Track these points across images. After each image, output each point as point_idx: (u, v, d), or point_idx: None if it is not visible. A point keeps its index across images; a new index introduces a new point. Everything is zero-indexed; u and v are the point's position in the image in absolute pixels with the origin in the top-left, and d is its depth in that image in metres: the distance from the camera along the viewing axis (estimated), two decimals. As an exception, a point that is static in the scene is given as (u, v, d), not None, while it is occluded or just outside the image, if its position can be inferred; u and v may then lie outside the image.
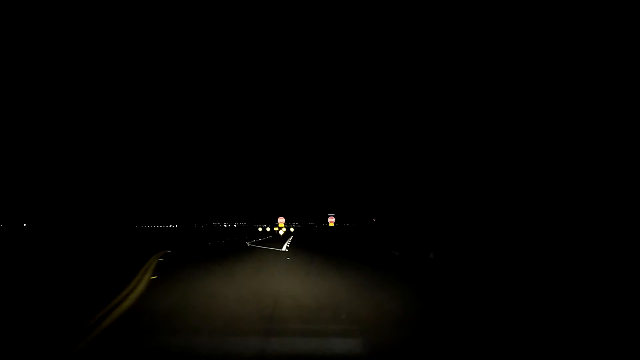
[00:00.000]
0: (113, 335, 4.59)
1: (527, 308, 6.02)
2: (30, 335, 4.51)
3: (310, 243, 27.98)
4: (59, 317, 5.31)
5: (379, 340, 4.37)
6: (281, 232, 60.05)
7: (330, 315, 5.51)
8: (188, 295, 6.91)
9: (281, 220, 65.02)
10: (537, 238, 18.84)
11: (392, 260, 14.37)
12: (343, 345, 4.23)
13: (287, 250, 19.93)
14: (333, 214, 61.04)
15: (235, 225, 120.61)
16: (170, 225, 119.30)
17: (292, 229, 76.57)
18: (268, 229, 77.14)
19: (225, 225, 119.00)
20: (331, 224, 61.48)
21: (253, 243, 27.58)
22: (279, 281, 8.62)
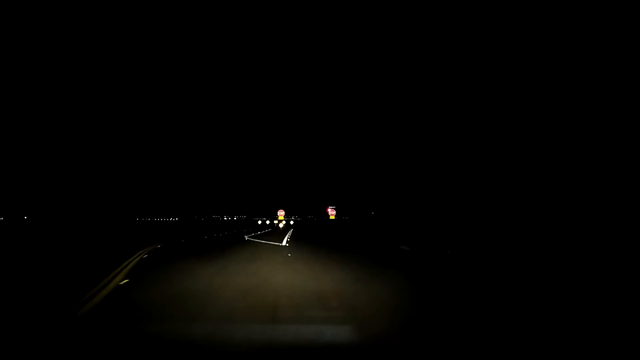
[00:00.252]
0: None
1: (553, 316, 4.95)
2: None
3: (312, 237, 26.27)
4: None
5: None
6: (281, 225, 58.52)
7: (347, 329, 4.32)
8: (153, 317, 5.04)
9: (281, 213, 63.38)
10: (563, 235, 17.22)
11: (403, 256, 12.69)
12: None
13: (287, 244, 18.22)
14: (334, 207, 59.20)
15: (235, 219, 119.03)
16: (172, 219, 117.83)
17: (291, 222, 74.89)
18: (268, 222, 75.55)
19: (225, 219, 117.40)
20: (332, 217, 59.63)
21: (251, 237, 25.88)
22: (279, 285, 6.90)
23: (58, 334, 4.14)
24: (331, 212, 59.54)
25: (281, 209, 63.72)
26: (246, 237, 24.80)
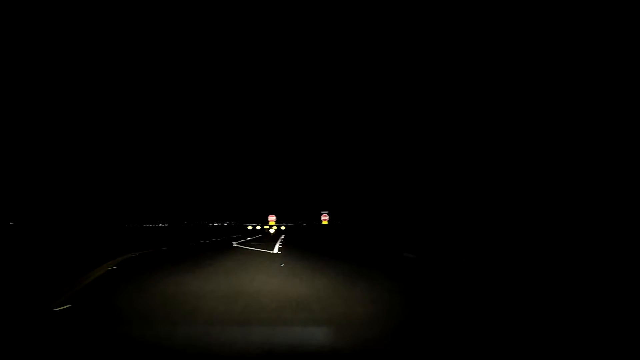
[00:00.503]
0: None
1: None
2: None
3: (305, 243, 24.44)
4: None
5: None
6: (272, 231, 56.49)
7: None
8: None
9: (272, 218, 61.25)
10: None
11: (410, 266, 10.99)
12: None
13: (279, 252, 16.36)
14: (327, 212, 57.27)
15: (225, 224, 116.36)
16: (161, 224, 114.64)
17: (282, 227, 72.68)
18: (258, 228, 73.40)
19: (215, 224, 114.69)
20: (324, 222, 57.64)
21: (241, 243, 23.92)
22: (274, 310, 5.11)
23: None
24: (324, 218, 57.55)
25: (272, 214, 61.61)
26: (234, 244, 22.83)
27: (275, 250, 17.55)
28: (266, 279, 8.39)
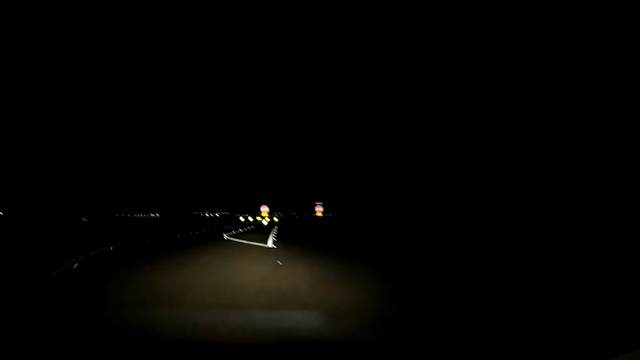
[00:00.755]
0: None
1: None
2: None
3: (302, 236, 22.79)
4: None
5: None
6: (265, 222, 54.73)
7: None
8: None
9: (265, 210, 59.34)
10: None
11: (424, 262, 9.41)
12: None
13: (274, 246, 14.66)
14: (321, 203, 55.39)
15: (217, 215, 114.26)
16: (153, 215, 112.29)
17: (275, 219, 70.74)
18: (250, 219, 71.54)
19: (206, 215, 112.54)
20: (319, 214, 55.78)
21: (232, 235, 22.18)
22: (271, 325, 3.46)
23: None
24: (318, 209, 55.67)
25: (264, 205, 59.73)
26: (225, 236, 21.08)
27: (270, 244, 15.84)
28: (262, 281, 6.70)
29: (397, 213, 43.76)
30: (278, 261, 9.51)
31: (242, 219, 71.32)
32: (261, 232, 26.02)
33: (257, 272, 7.86)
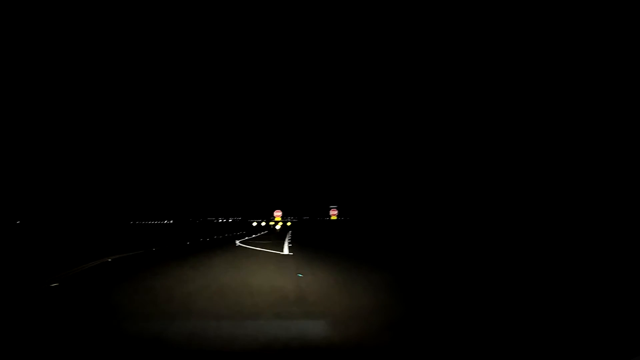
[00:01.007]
0: None
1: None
2: None
3: (320, 242, 21.16)
4: None
5: None
6: (278, 227, 53.29)
7: None
8: None
9: (278, 214, 57.90)
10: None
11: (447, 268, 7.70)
12: None
13: (290, 253, 13.05)
14: (335, 206, 53.61)
15: (230, 220, 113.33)
16: (166, 221, 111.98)
17: (288, 223, 69.24)
18: (263, 224, 70.19)
19: (219, 220, 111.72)
20: (333, 217, 54.02)
21: (244, 241, 20.66)
22: None
23: None
24: (332, 212, 53.90)
25: (278, 209, 58.25)
26: (237, 243, 19.57)
27: (286, 250, 14.23)
28: (282, 303, 5.10)
29: (412, 215, 41.95)
30: (298, 274, 7.87)
31: (254, 224, 70.02)
32: (275, 238, 24.47)
33: (275, 290, 6.24)
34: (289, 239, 22.21)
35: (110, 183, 67.02)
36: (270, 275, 7.81)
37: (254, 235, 28.51)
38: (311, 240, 22.27)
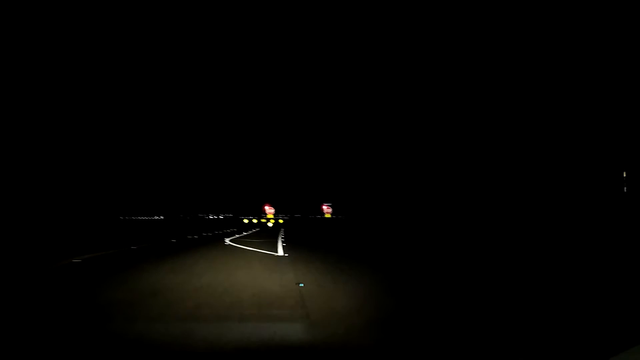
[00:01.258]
0: None
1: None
2: None
3: (316, 242, 19.74)
4: None
5: None
6: (269, 224, 51.77)
7: None
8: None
9: (270, 211, 56.29)
10: None
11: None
12: None
13: (285, 254, 11.54)
14: (330, 204, 52.08)
15: (221, 217, 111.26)
16: (156, 217, 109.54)
17: (280, 221, 67.57)
18: (255, 221, 68.49)
19: (210, 217, 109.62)
20: (327, 215, 52.47)
21: (234, 240, 19.10)
22: None
23: None
24: (327, 210, 52.36)
25: (270, 206, 56.57)
26: (227, 241, 18.02)
27: (280, 251, 12.71)
28: (280, 327, 3.63)
29: (408, 213, 40.82)
30: (300, 284, 6.36)
31: (245, 220, 68.21)
32: (267, 236, 22.94)
33: (267, 299, 4.75)
34: (282, 238, 20.72)
35: (101, 178, 64.61)
36: (264, 285, 6.31)
37: (244, 233, 26.95)
38: (305, 239, 20.83)
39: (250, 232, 29.56)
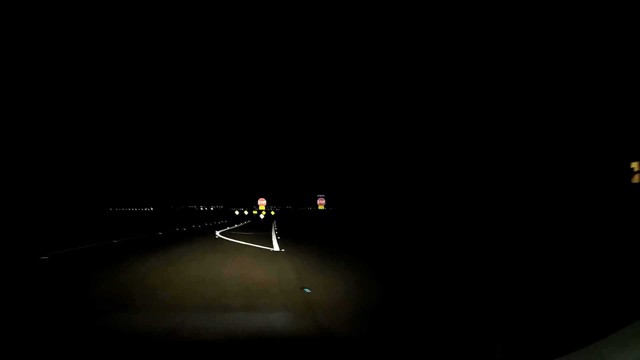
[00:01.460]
0: None
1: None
2: None
3: (313, 235, 18.71)
4: None
5: None
6: (261, 216, 50.63)
7: None
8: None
9: (262, 203, 55.04)
10: None
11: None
12: None
13: (281, 249, 10.44)
14: (323, 196, 51.04)
15: (212, 209, 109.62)
16: (146, 209, 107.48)
17: (272, 212, 66.33)
18: (246, 213, 67.25)
19: (201, 209, 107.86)
20: (321, 207, 51.49)
21: (225, 232, 17.95)
22: None
23: None
24: (320, 202, 51.39)
25: (262, 197, 55.38)
26: (218, 234, 16.87)
27: (275, 246, 11.60)
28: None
29: (402, 207, 40.06)
30: (305, 289, 5.25)
31: (237, 212, 66.86)
32: (260, 229, 21.82)
33: (273, 317, 3.65)
34: (276, 230, 19.64)
35: (91, 170, 62.70)
36: (262, 288, 5.20)
37: (236, 225, 25.80)
38: (300, 232, 19.79)
39: (242, 224, 28.42)
